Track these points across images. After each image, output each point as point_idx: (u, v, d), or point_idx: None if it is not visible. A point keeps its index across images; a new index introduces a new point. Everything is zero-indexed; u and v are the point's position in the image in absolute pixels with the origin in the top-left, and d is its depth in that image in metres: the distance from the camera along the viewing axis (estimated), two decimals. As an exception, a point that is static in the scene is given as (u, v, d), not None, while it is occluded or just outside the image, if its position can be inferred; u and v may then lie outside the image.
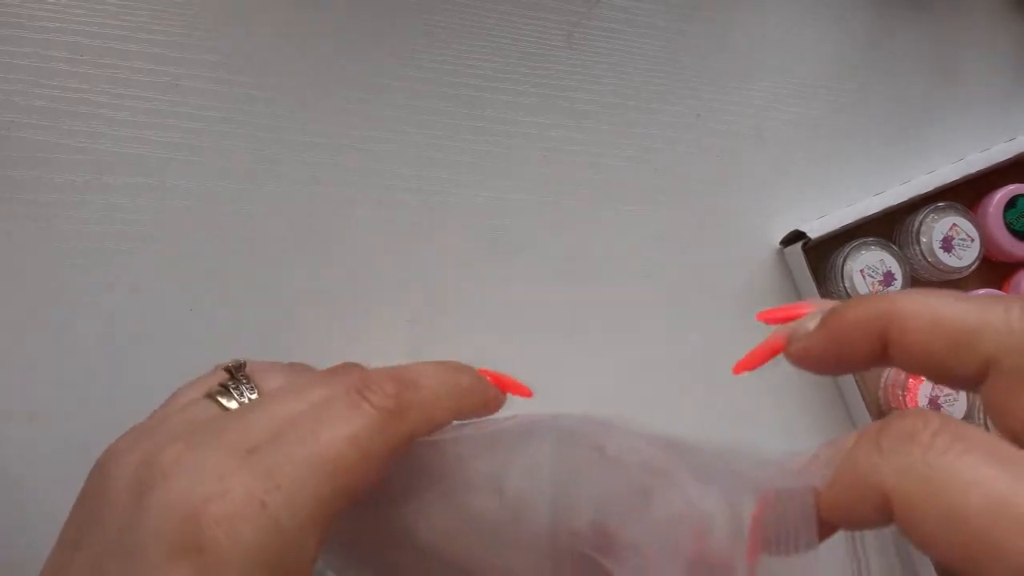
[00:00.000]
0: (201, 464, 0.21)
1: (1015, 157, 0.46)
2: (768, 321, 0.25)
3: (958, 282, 0.46)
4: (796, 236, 0.44)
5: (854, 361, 0.21)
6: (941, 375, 0.20)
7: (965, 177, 0.45)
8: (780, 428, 0.45)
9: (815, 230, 0.43)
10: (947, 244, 0.44)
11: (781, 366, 0.25)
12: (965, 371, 0.19)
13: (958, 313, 0.19)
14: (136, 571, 0.20)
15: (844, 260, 0.43)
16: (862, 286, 0.43)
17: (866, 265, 0.43)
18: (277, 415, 0.23)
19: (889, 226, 0.46)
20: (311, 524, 0.21)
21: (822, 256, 0.45)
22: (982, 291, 0.45)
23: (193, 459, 0.22)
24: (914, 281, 0.44)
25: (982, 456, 0.17)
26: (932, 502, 0.17)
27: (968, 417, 0.43)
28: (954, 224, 0.44)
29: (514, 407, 0.28)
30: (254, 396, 0.28)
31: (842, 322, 0.21)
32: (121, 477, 0.22)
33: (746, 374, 0.27)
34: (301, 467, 0.21)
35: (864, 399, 0.43)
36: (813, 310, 0.23)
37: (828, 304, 0.23)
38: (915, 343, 0.20)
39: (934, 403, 0.43)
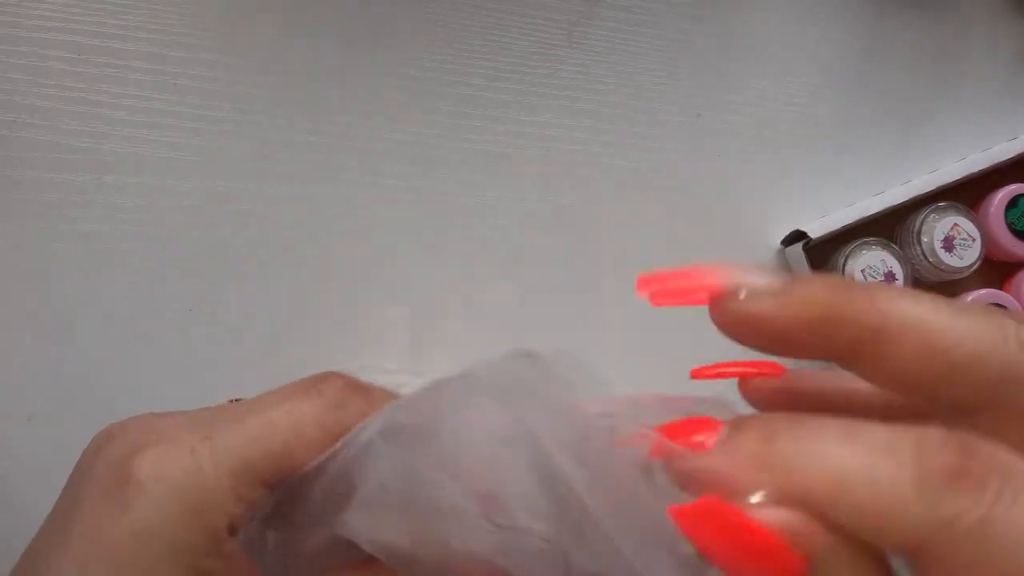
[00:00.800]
0: (154, 425, 0.24)
1: (1016, 157, 0.46)
2: (656, 297, 0.20)
3: (959, 282, 0.46)
4: (797, 236, 0.44)
5: (799, 352, 0.18)
6: (925, 399, 0.17)
7: (966, 177, 0.45)
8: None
9: (816, 230, 0.43)
10: (948, 244, 0.44)
11: (774, 361, 0.23)
12: (958, 400, 0.16)
13: (957, 334, 0.16)
14: (76, 511, 0.22)
15: (845, 260, 0.43)
16: (863, 286, 0.43)
17: (867, 265, 0.43)
18: (241, 403, 0.25)
19: (890, 226, 0.46)
20: (231, 477, 0.22)
21: (823, 256, 0.45)
22: (983, 291, 0.45)
23: (151, 421, 0.24)
24: (915, 281, 0.44)
25: None
26: (983, 568, 0.13)
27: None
28: (955, 224, 0.44)
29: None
30: None
31: (812, 309, 0.17)
32: (92, 442, 0.25)
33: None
34: (236, 427, 0.23)
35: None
36: (727, 274, 0.18)
37: (751, 271, 0.18)
38: (903, 367, 0.16)
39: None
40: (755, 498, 0.16)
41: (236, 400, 0.33)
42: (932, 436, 0.15)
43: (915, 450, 0.15)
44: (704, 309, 0.21)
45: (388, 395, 0.25)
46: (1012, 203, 0.45)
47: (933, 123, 0.49)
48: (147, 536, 0.21)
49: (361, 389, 0.25)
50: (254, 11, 0.44)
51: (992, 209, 0.45)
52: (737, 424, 0.17)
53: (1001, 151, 0.46)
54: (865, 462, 0.15)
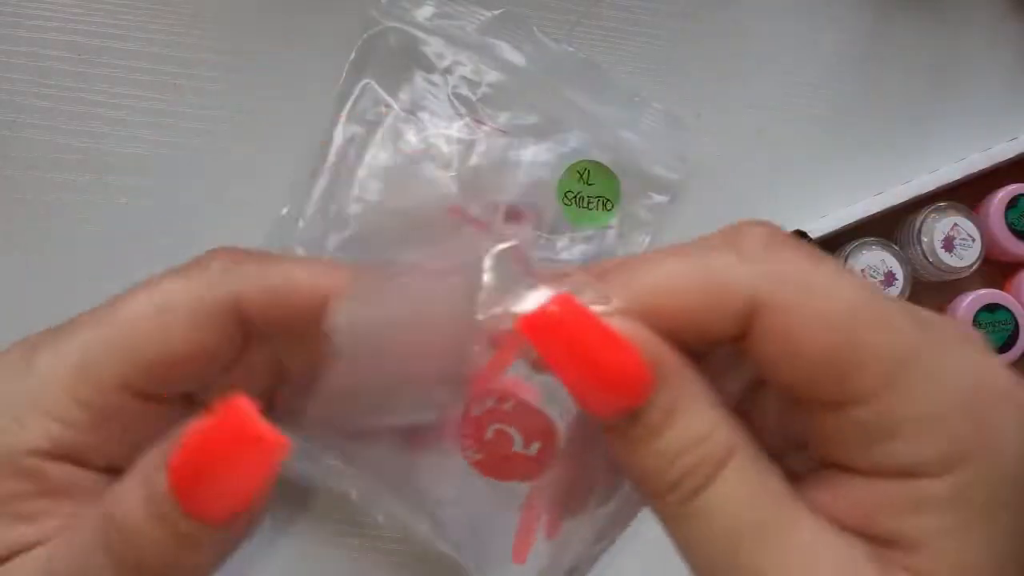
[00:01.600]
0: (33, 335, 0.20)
1: (1017, 157, 0.46)
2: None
3: (959, 282, 0.46)
4: (797, 236, 0.44)
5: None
6: (699, 336, 0.18)
7: (966, 177, 0.45)
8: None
9: (816, 230, 0.43)
10: (948, 244, 0.44)
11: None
12: (725, 325, 0.18)
13: (698, 268, 0.18)
14: None
15: (845, 260, 0.43)
16: (863, 286, 0.43)
17: (867, 265, 0.43)
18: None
19: (890, 226, 0.46)
20: (71, 378, 0.18)
21: (823, 256, 0.45)
22: (983, 291, 0.45)
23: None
24: (915, 281, 0.44)
25: (835, 268, 0.17)
26: (806, 306, 0.17)
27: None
28: (955, 224, 0.44)
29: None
30: None
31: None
32: None
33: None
34: (88, 326, 0.19)
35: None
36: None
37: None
38: (672, 309, 0.18)
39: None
40: (606, 307, 0.17)
41: None
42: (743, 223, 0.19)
43: (723, 239, 0.19)
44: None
45: (284, 259, 0.20)
46: (1012, 203, 0.45)
47: (933, 123, 0.49)
48: None
49: (253, 255, 0.20)
50: (254, 11, 0.44)
51: (992, 209, 0.45)
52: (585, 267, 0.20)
53: (1001, 151, 0.46)
54: (695, 260, 0.18)
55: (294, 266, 0.20)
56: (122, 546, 0.16)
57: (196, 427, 0.16)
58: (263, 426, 0.15)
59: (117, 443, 0.19)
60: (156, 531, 0.16)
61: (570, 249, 0.43)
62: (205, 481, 0.16)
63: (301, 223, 0.41)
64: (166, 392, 0.19)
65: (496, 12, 0.44)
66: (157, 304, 0.19)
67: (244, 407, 0.16)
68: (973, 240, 0.44)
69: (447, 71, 0.43)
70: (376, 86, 0.43)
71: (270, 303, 0.19)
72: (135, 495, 0.16)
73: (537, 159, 0.43)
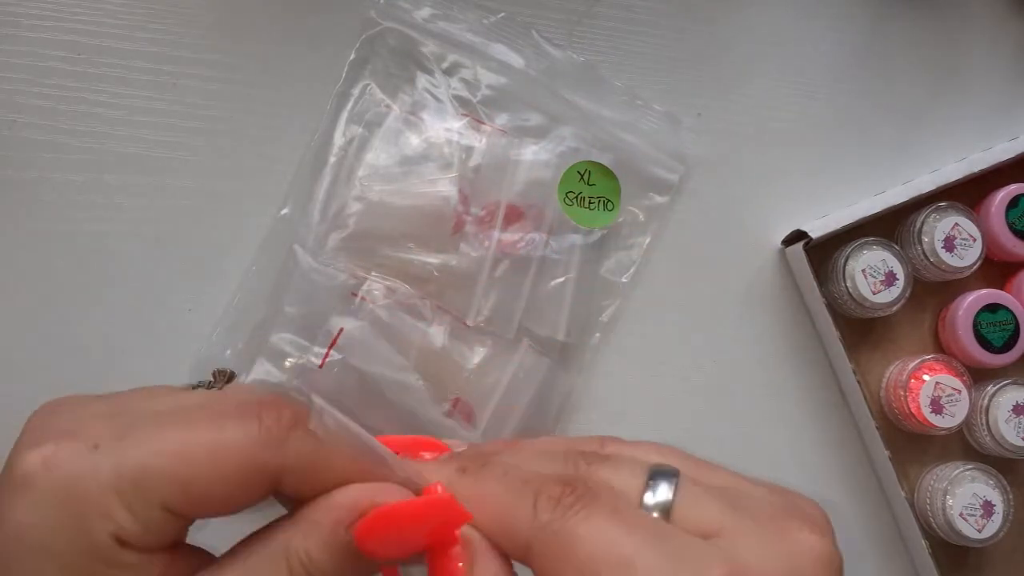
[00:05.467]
0: (74, 411, 0.22)
1: (1017, 157, 0.46)
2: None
3: (960, 282, 0.46)
4: (798, 236, 0.44)
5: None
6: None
7: (967, 177, 0.45)
8: (781, 426, 0.45)
9: (817, 230, 0.43)
10: (949, 244, 0.44)
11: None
12: (515, 554, 0.23)
13: (499, 507, 0.23)
14: None
15: (846, 260, 0.43)
16: (864, 286, 0.43)
17: (868, 265, 0.43)
18: (186, 401, 0.23)
19: (891, 226, 0.46)
20: (129, 488, 0.20)
21: (824, 256, 0.45)
22: (984, 291, 0.45)
23: (74, 406, 0.23)
24: (916, 281, 0.44)
25: (604, 517, 0.21)
26: (560, 554, 0.21)
27: (971, 416, 0.43)
28: (956, 224, 0.44)
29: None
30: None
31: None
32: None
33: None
34: (152, 435, 0.21)
35: (866, 399, 0.43)
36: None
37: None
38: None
39: (936, 403, 0.42)
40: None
41: (218, 372, 0.32)
42: (551, 478, 0.23)
43: (536, 486, 0.23)
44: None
45: (333, 452, 0.22)
46: (1013, 203, 0.45)
47: (933, 123, 0.49)
48: (20, 537, 0.20)
49: (307, 429, 0.22)
50: (253, 11, 0.44)
51: (993, 209, 0.45)
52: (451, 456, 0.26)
53: (1002, 151, 0.46)
54: (509, 496, 0.23)
55: (334, 457, 0.23)
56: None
57: (402, 505, 0.22)
58: (462, 509, 0.22)
59: (152, 536, 0.21)
60: (336, 565, 0.22)
61: (571, 249, 0.43)
62: (388, 539, 0.21)
63: (301, 223, 0.41)
64: (192, 515, 0.22)
65: (496, 17, 0.44)
66: (214, 449, 0.21)
67: (450, 499, 0.22)
68: (974, 240, 0.44)
69: (447, 72, 0.43)
70: (376, 87, 0.43)
71: (307, 482, 0.22)
72: (317, 541, 0.22)
73: (537, 159, 0.42)
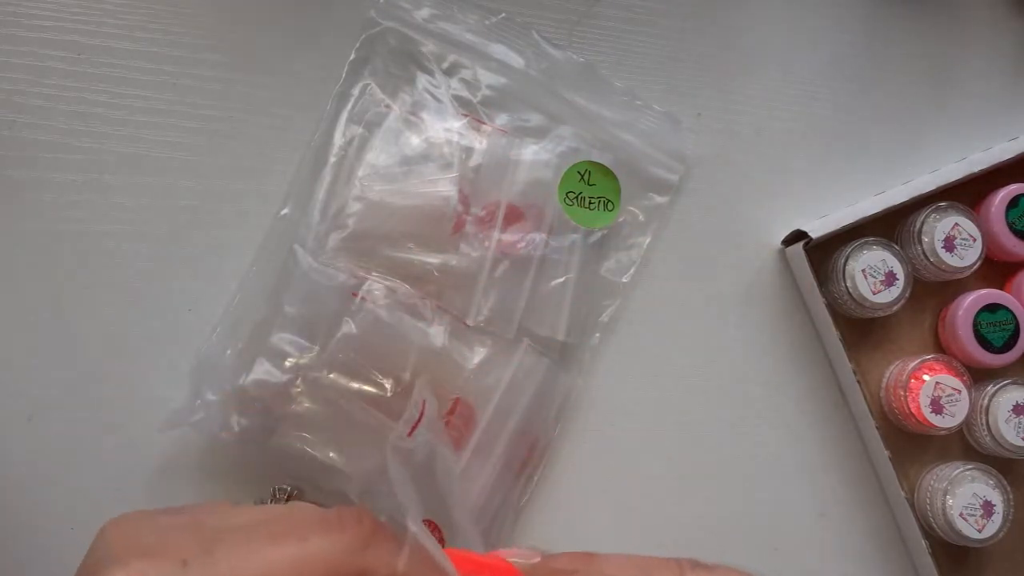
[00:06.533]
0: (149, 528, 0.22)
1: (1017, 156, 0.46)
2: None
3: (960, 282, 0.46)
4: (798, 236, 0.44)
5: None
6: None
7: (967, 177, 0.45)
8: (781, 426, 0.45)
9: (816, 230, 0.43)
10: (949, 244, 0.44)
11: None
12: None
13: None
14: None
15: (846, 260, 0.43)
16: (864, 286, 0.43)
17: (868, 265, 0.43)
18: (260, 516, 0.23)
19: (891, 226, 0.46)
20: None
21: (824, 256, 0.45)
22: (984, 291, 0.45)
23: (147, 522, 0.22)
24: (916, 281, 0.44)
25: None
26: None
27: (971, 416, 0.43)
28: (956, 224, 0.44)
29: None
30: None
31: None
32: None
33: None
34: (240, 551, 0.21)
35: (866, 399, 0.43)
36: None
37: None
38: None
39: (936, 403, 0.42)
40: None
41: (278, 489, 0.33)
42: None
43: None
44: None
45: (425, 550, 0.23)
46: (1013, 203, 0.45)
47: (933, 123, 0.49)
48: None
49: (389, 536, 0.23)
50: (253, 11, 0.44)
51: (993, 209, 0.45)
52: None
53: (1002, 151, 0.46)
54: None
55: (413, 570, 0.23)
56: None
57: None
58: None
59: None
60: None
61: (571, 249, 0.43)
62: None
63: (301, 223, 0.41)
64: None
65: (496, 17, 0.44)
66: (302, 559, 0.22)
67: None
68: (974, 240, 0.44)
69: (447, 72, 0.43)
70: (376, 87, 0.43)
71: None
72: None
73: (537, 159, 0.43)
